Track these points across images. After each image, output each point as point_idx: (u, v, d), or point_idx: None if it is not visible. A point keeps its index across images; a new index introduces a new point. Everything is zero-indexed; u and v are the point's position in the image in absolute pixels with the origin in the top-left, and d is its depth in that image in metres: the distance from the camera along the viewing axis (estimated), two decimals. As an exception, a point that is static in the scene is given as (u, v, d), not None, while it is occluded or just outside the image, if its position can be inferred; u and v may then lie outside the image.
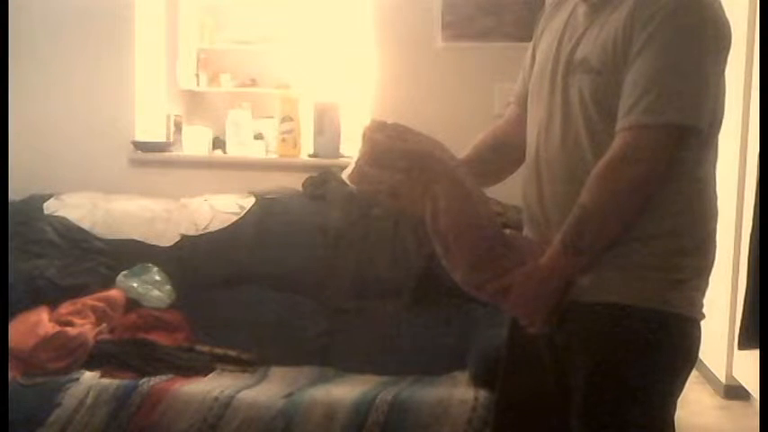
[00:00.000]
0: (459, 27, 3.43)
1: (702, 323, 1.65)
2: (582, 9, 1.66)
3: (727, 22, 1.57)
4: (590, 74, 1.58)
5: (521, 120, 1.79)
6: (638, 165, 1.51)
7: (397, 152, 1.63)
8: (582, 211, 1.54)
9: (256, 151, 3.93)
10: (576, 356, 1.61)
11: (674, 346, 1.60)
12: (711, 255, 1.64)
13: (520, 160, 1.77)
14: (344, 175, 1.72)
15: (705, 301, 1.64)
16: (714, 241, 1.64)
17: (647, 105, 1.49)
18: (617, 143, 1.52)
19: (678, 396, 1.64)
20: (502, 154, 1.84)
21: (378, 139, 1.65)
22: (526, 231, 1.75)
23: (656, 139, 1.51)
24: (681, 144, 1.52)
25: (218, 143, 4.07)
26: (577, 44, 1.63)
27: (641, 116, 1.50)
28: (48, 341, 2.67)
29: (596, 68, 1.57)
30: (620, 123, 1.53)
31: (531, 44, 1.84)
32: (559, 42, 1.68)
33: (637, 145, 1.51)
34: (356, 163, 1.66)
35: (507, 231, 1.71)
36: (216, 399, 2.49)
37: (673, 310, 1.58)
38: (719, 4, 1.56)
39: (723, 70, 1.57)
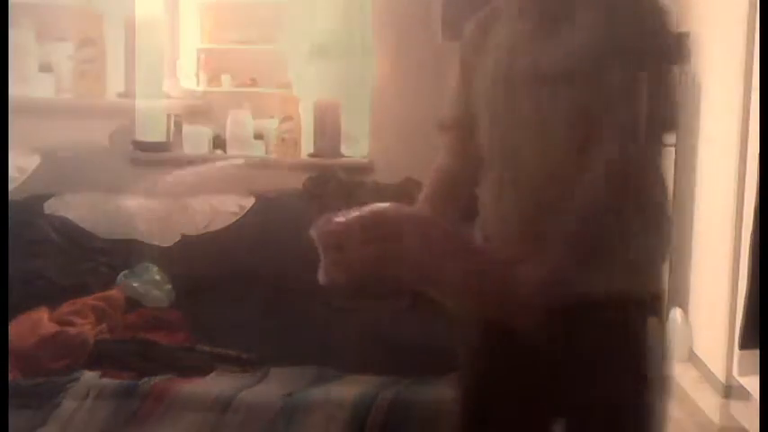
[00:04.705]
0: (458, 26, 3.43)
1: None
2: (525, 26, 1.66)
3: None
4: (562, 85, 1.58)
5: (469, 147, 1.76)
6: (631, 168, 1.55)
7: (354, 227, 1.57)
8: (581, 221, 1.54)
9: (256, 151, 3.93)
10: (579, 356, 1.61)
11: (663, 329, 1.67)
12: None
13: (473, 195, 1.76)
14: (322, 281, 1.64)
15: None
16: None
17: (632, 112, 1.53)
18: (607, 152, 1.53)
19: None
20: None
21: (331, 230, 1.58)
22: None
23: (644, 143, 1.56)
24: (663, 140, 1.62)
25: (219, 143, 4.08)
26: (537, 60, 1.61)
27: (627, 123, 1.53)
28: (48, 341, 2.67)
29: (569, 79, 1.57)
30: (607, 132, 1.54)
31: (458, 71, 1.82)
32: (510, 63, 1.65)
33: (627, 151, 1.54)
34: (326, 266, 1.58)
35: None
36: (216, 399, 2.49)
37: (661, 294, 1.65)
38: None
39: None
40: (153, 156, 3.62)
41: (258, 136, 4.08)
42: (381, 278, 1.60)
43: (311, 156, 3.60)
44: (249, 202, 3.29)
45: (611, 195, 1.54)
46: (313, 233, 1.60)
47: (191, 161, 3.68)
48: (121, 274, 3.09)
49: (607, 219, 1.55)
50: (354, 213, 1.60)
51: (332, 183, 3.24)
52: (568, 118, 1.58)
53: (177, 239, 3.21)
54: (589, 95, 1.55)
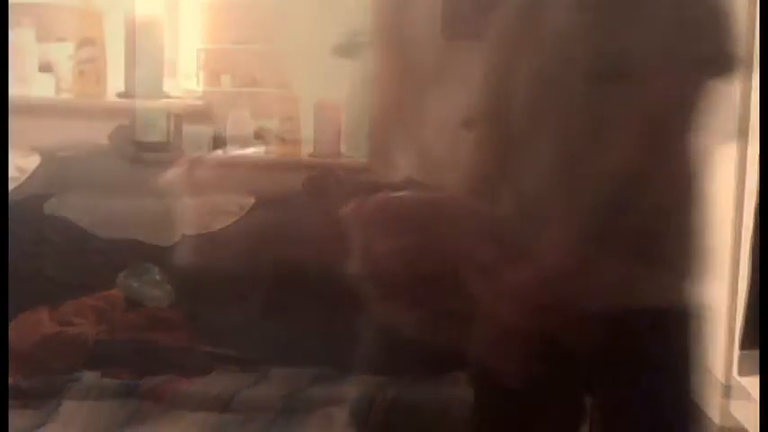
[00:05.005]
0: (459, 26, 3.43)
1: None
2: (582, 17, 1.51)
3: None
4: (621, 84, 1.46)
5: (499, 146, 1.64)
6: (691, 175, 1.59)
7: (396, 213, 1.49)
8: (646, 226, 1.50)
9: (256, 151, 3.92)
10: (617, 359, 1.58)
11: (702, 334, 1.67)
12: None
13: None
14: (353, 270, 1.52)
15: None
16: None
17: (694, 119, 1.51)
18: (669, 158, 1.52)
19: None
20: None
21: (367, 214, 1.50)
22: None
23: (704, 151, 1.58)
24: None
25: (219, 143, 4.07)
26: (594, 55, 1.49)
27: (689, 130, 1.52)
28: (48, 341, 2.67)
29: (629, 77, 1.46)
30: (670, 137, 1.51)
31: (485, 68, 1.69)
32: (561, 58, 1.53)
33: (688, 158, 1.56)
34: (358, 254, 1.48)
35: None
36: (216, 399, 2.49)
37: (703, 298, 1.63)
38: None
39: None
40: (153, 156, 3.62)
41: (258, 136, 4.08)
42: (418, 271, 1.48)
43: (311, 156, 3.60)
44: (249, 202, 3.29)
45: (675, 200, 1.53)
46: (343, 215, 1.50)
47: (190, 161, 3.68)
48: (121, 274, 3.09)
49: (666, 224, 1.53)
50: (393, 197, 1.51)
51: (332, 183, 3.24)
52: (626, 119, 1.47)
53: (177, 239, 3.21)
54: (650, 97, 1.45)
